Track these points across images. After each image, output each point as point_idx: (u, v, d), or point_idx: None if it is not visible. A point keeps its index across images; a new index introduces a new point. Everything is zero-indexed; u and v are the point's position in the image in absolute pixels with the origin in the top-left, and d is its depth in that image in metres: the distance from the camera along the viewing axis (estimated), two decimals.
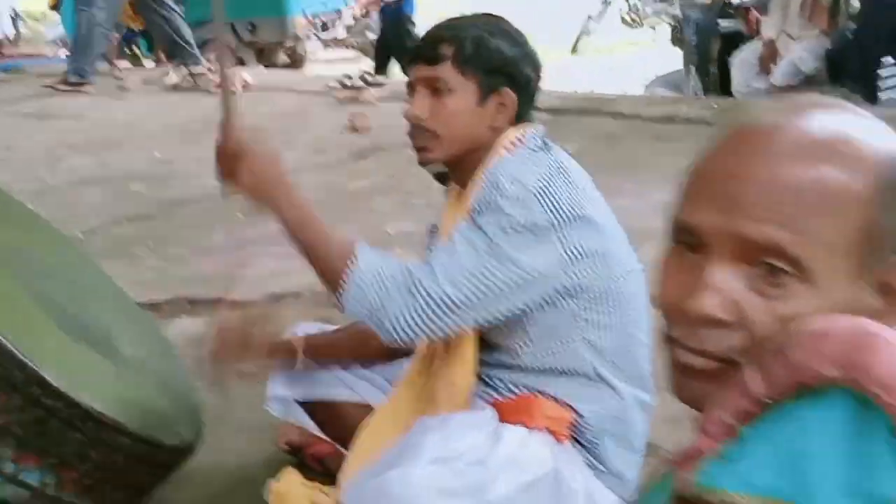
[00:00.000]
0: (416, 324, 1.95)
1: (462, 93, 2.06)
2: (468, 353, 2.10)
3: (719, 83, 7.93)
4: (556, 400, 2.10)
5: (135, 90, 8.51)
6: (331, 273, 1.98)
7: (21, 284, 2.17)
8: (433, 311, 1.94)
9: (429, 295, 1.93)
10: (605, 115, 6.47)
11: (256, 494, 2.29)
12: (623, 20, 15.13)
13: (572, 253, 1.98)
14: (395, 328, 1.95)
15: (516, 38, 2.13)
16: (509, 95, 2.07)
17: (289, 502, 2.39)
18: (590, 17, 15.00)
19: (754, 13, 7.91)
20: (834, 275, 0.99)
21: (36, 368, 1.88)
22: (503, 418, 2.10)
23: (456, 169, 2.14)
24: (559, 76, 12.61)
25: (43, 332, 2.07)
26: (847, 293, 1.00)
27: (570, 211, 1.98)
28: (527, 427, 2.08)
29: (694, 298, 1.00)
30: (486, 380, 2.16)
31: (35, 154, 6.43)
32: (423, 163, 2.14)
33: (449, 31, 2.08)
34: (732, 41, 8.00)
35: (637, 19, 14.98)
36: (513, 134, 2.09)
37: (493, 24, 2.12)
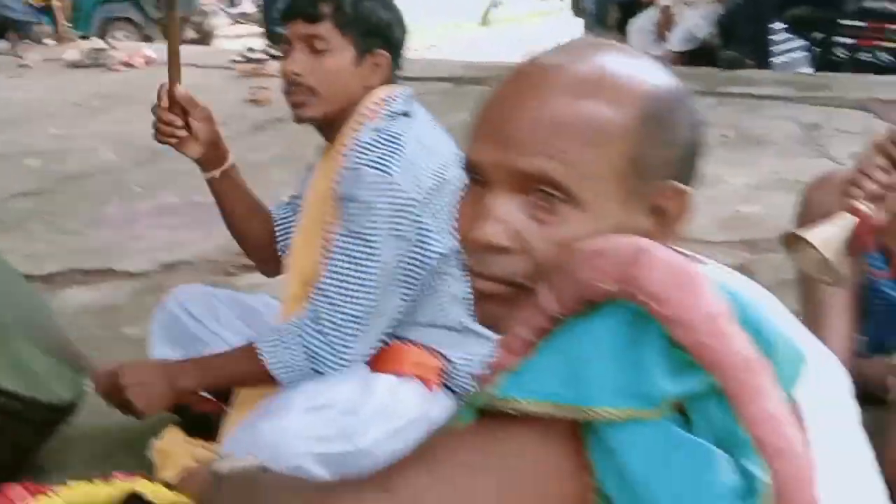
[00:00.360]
0: (343, 352, 2.06)
1: (340, 52, 2.11)
2: None
3: None
4: (425, 348, 2.17)
5: (35, 68, 8.41)
6: (263, 377, 2.12)
7: None
8: (340, 338, 2.05)
9: (324, 328, 2.05)
10: None
11: (140, 453, 2.32)
12: None
13: (439, 219, 2.05)
14: (330, 369, 2.08)
15: (388, 1, 2.18)
16: (384, 56, 2.13)
17: (171, 459, 2.42)
18: None
19: None
20: (605, 200, 1.07)
21: None
22: (374, 368, 2.17)
23: (326, 127, 2.19)
24: (469, 48, 12.70)
25: None
26: (620, 216, 1.07)
27: (430, 179, 2.05)
28: (397, 375, 2.15)
29: (478, 228, 1.07)
30: None
31: None
32: (299, 119, 2.18)
33: None
34: (630, 9, 8.15)
35: None
36: (378, 95, 2.14)
37: None
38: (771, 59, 6.82)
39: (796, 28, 6.65)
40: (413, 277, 2.07)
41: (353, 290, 2.02)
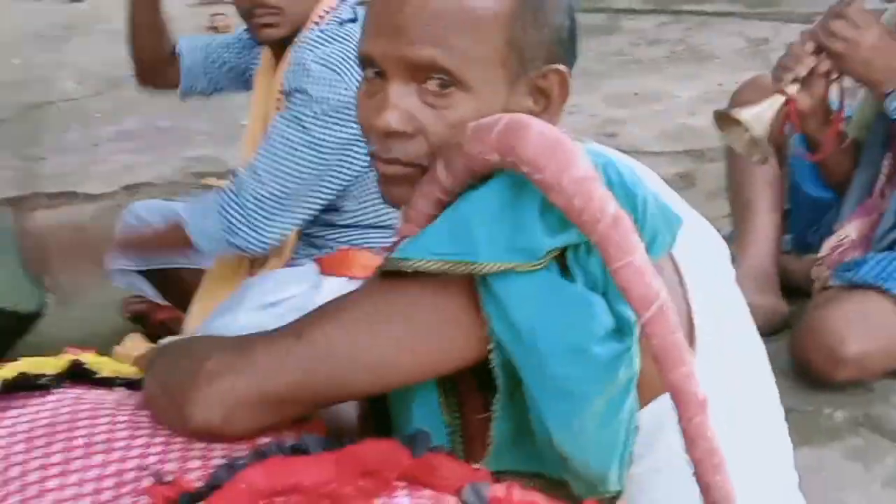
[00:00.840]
0: (258, 227, 2.16)
1: None
2: None
3: None
4: (372, 251, 2.29)
5: None
6: (185, 243, 2.22)
7: None
8: (258, 213, 2.15)
9: (245, 201, 2.15)
10: None
11: None
12: None
13: None
14: (245, 243, 2.17)
15: None
16: None
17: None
18: None
19: None
20: (491, 84, 1.20)
21: None
22: (324, 271, 2.29)
23: (282, 42, 2.28)
24: None
25: None
26: (505, 98, 1.20)
27: None
28: (347, 277, 2.26)
29: (379, 117, 1.20)
30: (308, 239, 2.33)
31: None
32: (264, 40, 2.28)
33: None
34: None
35: None
36: (328, 3, 2.23)
37: None
38: None
39: None
40: (341, 174, 2.16)
41: (281, 170, 2.13)
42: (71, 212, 3.74)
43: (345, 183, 2.19)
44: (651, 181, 1.25)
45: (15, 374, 1.28)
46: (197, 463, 1.08)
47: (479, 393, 1.21)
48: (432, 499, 1.00)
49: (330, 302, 1.22)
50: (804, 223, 2.73)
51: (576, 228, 1.08)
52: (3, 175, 4.15)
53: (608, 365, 1.11)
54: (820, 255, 2.53)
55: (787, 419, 2.20)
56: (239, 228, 2.15)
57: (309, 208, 2.19)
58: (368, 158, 2.12)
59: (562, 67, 1.24)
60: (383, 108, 1.20)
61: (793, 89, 2.34)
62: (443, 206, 1.16)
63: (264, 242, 2.17)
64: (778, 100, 2.35)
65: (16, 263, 2.44)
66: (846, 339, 2.25)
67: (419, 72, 1.19)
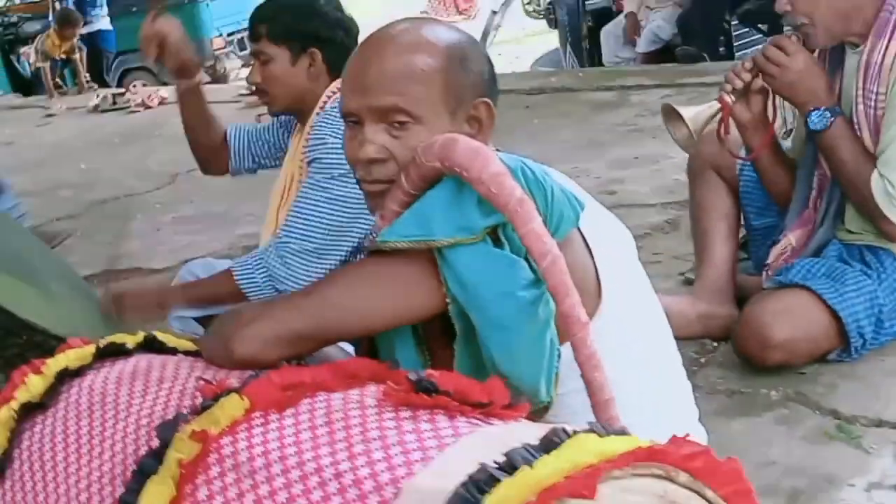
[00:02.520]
0: (297, 275, 2.60)
1: (278, 58, 2.73)
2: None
3: (592, 56, 8.68)
4: None
5: (60, 115, 9.12)
6: (237, 296, 2.63)
7: None
8: (297, 264, 2.61)
9: (284, 256, 2.61)
10: None
11: None
12: (526, 12, 15.68)
13: None
14: (289, 288, 2.60)
15: (324, 7, 2.78)
16: (316, 53, 2.73)
17: None
18: (494, 13, 15.59)
19: None
20: (437, 117, 1.71)
21: None
22: None
23: (296, 113, 2.82)
24: None
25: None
26: (448, 126, 1.71)
27: None
28: None
29: (361, 150, 1.71)
30: None
31: None
32: (270, 113, 2.83)
33: (262, 12, 2.77)
34: (602, 18, 8.76)
35: (538, 10, 15.52)
36: (330, 88, 2.75)
37: (302, 1, 2.79)
38: (736, 52, 7.38)
39: (747, 22, 7.22)
40: (363, 222, 2.65)
41: (310, 226, 2.61)
42: (139, 280, 4.29)
43: (366, 230, 2.68)
44: (565, 182, 1.74)
45: (106, 343, 1.78)
46: (234, 379, 1.56)
47: (444, 337, 1.68)
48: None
49: (333, 272, 1.72)
50: (758, 247, 3.18)
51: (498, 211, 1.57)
52: (77, 259, 4.71)
53: (530, 304, 1.57)
54: (768, 262, 2.98)
55: (732, 399, 2.69)
56: (281, 278, 2.62)
57: (339, 254, 2.65)
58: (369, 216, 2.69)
59: (487, 100, 1.75)
60: (363, 144, 1.70)
61: (729, 98, 2.83)
62: (407, 205, 1.65)
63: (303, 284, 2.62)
64: (715, 106, 2.86)
65: (95, 308, 2.95)
66: (773, 328, 2.68)
67: (385, 115, 1.70)
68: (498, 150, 1.70)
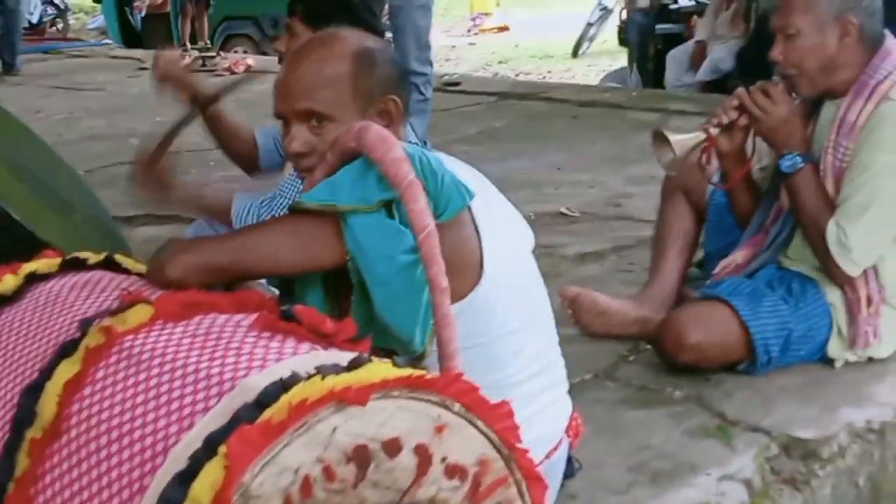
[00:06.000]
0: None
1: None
2: None
3: (657, 78, 8.97)
4: None
5: (150, 70, 9.63)
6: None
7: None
8: None
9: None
10: (539, 99, 7.55)
11: None
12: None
13: None
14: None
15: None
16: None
17: None
18: (589, 24, 15.90)
19: (695, 18, 8.93)
20: (350, 114, 2.08)
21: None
22: None
23: None
24: (561, 76, 13.78)
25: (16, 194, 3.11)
26: (360, 121, 2.05)
27: None
28: None
29: (290, 146, 2.10)
30: None
31: (58, 116, 7.58)
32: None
33: None
34: (670, 42, 9.05)
35: None
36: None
37: None
38: None
39: None
40: None
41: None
42: (173, 227, 4.73)
43: None
44: (468, 174, 2.09)
45: (71, 257, 2.18)
46: (150, 293, 1.95)
47: (349, 290, 2.04)
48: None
49: (257, 223, 2.11)
50: (713, 228, 3.47)
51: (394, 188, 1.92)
52: (128, 200, 5.15)
53: (409, 266, 1.91)
54: (713, 273, 3.29)
55: (639, 393, 3.02)
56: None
57: None
58: None
59: (395, 97, 2.12)
60: (291, 141, 2.10)
61: (714, 131, 3.12)
62: (329, 176, 2.03)
63: None
64: (700, 136, 3.14)
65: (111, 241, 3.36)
66: (688, 330, 2.98)
67: (304, 116, 2.09)
68: (412, 141, 2.08)
